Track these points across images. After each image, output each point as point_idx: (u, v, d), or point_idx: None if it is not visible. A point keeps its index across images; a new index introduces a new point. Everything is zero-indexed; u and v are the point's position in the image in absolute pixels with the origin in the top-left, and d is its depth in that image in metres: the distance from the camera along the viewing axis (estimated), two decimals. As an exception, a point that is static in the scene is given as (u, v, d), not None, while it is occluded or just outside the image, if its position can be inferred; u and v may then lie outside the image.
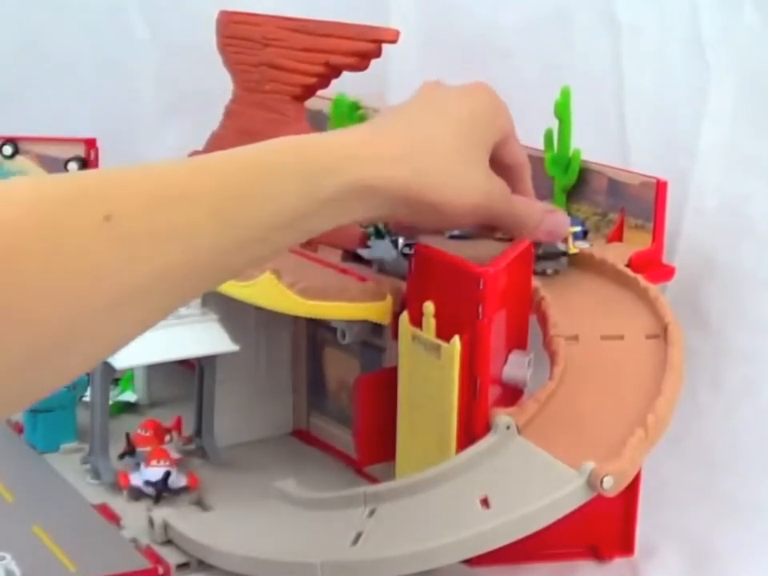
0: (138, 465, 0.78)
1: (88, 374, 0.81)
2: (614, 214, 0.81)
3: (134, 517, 0.75)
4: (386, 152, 0.60)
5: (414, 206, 0.62)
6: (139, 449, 0.79)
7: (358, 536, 0.64)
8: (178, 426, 0.81)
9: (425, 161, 0.62)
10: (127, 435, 0.80)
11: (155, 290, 0.50)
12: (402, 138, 0.62)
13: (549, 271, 0.75)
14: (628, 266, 0.76)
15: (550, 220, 0.70)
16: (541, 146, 0.83)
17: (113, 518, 0.75)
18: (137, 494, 0.77)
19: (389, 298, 0.72)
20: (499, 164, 0.68)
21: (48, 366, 0.48)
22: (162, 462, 0.77)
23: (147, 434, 0.80)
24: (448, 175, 0.63)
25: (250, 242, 0.54)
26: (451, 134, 0.64)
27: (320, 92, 0.83)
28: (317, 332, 0.85)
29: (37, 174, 0.96)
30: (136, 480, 0.77)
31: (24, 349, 0.46)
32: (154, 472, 0.77)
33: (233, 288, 0.75)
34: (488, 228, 0.72)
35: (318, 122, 0.95)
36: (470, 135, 0.64)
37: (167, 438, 0.80)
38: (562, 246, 0.75)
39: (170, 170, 0.53)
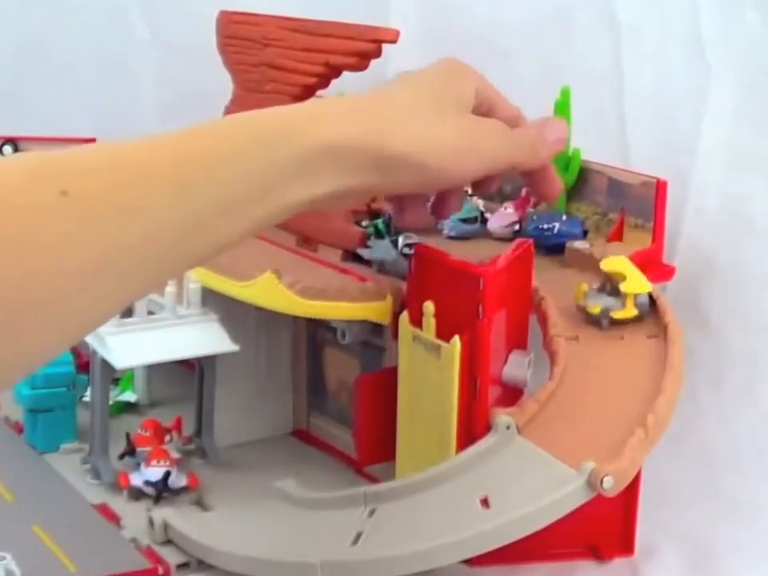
0: (138, 465, 0.78)
1: (87, 374, 0.81)
2: (614, 213, 0.81)
3: (134, 517, 0.75)
4: (344, 112, 0.58)
5: (384, 166, 0.58)
6: (139, 449, 0.79)
7: (358, 536, 0.64)
8: (178, 426, 0.81)
9: (385, 116, 0.59)
10: (127, 435, 0.80)
11: (118, 267, 0.50)
12: (360, 100, 0.60)
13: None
14: (628, 265, 0.76)
15: (551, 130, 0.66)
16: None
17: (113, 518, 0.75)
18: (137, 494, 0.77)
19: (389, 298, 0.72)
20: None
21: (18, 343, 0.48)
22: (162, 462, 0.77)
23: (147, 434, 0.80)
24: (416, 122, 0.59)
25: (213, 216, 0.53)
26: (416, 90, 0.61)
27: (320, 92, 0.83)
28: (317, 332, 0.85)
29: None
30: (136, 480, 0.77)
31: None
32: (154, 472, 0.77)
33: (233, 288, 0.75)
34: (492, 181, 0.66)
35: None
36: (437, 89, 0.61)
37: (167, 438, 0.80)
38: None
39: (127, 146, 0.52)
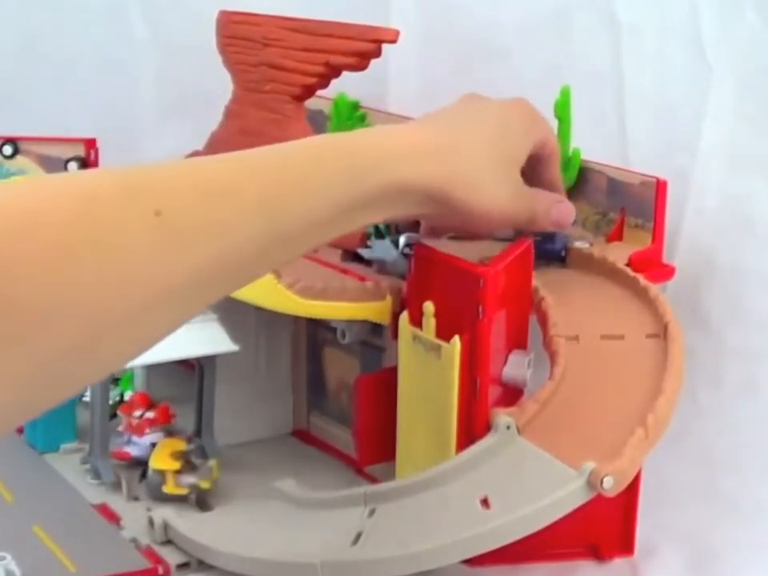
0: (129, 439, 0.79)
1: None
2: (613, 213, 0.81)
3: (134, 517, 0.75)
4: (426, 149, 0.62)
5: (445, 206, 0.63)
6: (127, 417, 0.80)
7: (358, 536, 0.64)
8: (164, 415, 0.81)
9: (461, 162, 0.63)
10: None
11: (202, 281, 0.51)
12: (441, 138, 0.63)
13: None
14: (628, 265, 0.76)
15: (559, 210, 0.71)
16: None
17: (113, 518, 0.75)
18: (136, 494, 0.77)
19: (389, 298, 0.72)
20: (531, 159, 0.70)
21: (89, 359, 0.48)
22: (154, 428, 0.79)
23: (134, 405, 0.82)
24: (480, 178, 0.64)
25: (291, 237, 0.55)
26: (486, 139, 0.65)
27: (320, 92, 0.83)
28: (317, 332, 0.85)
29: (39, 174, 0.96)
30: (135, 451, 0.79)
31: (79, 336, 0.47)
32: (150, 438, 0.78)
33: (233, 288, 0.75)
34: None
35: (318, 122, 0.95)
36: (503, 144, 0.66)
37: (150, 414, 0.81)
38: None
39: (216, 165, 0.54)
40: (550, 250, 0.77)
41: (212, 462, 0.77)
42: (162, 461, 0.77)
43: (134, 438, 0.80)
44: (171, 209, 0.49)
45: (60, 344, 0.46)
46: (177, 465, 0.77)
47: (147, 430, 0.80)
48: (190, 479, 0.76)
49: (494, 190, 0.65)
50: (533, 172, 0.71)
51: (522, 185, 0.68)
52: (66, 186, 0.49)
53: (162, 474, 0.77)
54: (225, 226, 0.51)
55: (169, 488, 0.76)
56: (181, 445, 0.78)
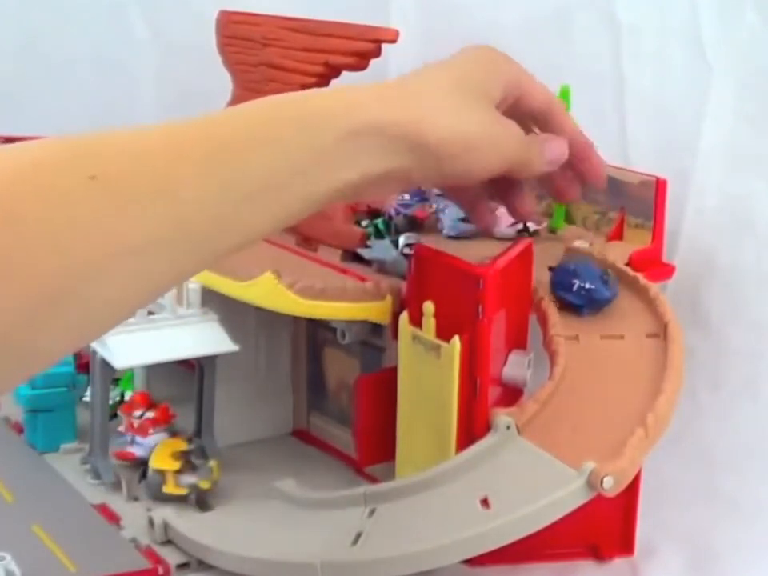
0: (133, 440, 0.80)
1: (87, 374, 0.81)
2: (613, 212, 0.81)
3: (134, 517, 0.75)
4: (383, 97, 0.59)
5: (417, 153, 0.59)
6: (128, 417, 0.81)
7: (358, 536, 0.64)
8: (164, 414, 0.82)
9: (423, 104, 0.60)
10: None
11: (158, 246, 0.50)
12: (398, 87, 0.61)
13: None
14: (628, 264, 0.76)
15: (549, 148, 0.67)
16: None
17: (113, 518, 0.75)
18: (136, 494, 0.77)
19: (389, 298, 0.72)
20: (523, 115, 0.67)
21: (45, 324, 0.47)
22: (158, 429, 0.79)
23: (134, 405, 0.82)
24: (444, 115, 0.60)
25: (250, 199, 0.52)
26: (447, 78, 0.62)
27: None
28: (317, 332, 0.85)
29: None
30: (139, 452, 0.79)
31: (22, 304, 0.46)
32: (154, 438, 0.79)
33: (233, 288, 0.75)
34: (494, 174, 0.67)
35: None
36: (468, 80, 0.63)
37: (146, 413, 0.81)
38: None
39: (158, 129, 0.52)
40: (600, 298, 0.71)
41: (212, 463, 0.77)
42: (162, 461, 0.77)
43: (138, 439, 0.80)
44: (107, 173, 0.49)
45: (8, 305, 0.46)
46: (177, 465, 0.77)
47: (151, 431, 0.80)
48: (190, 479, 0.76)
49: (464, 126, 0.61)
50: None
51: (501, 117, 0.64)
52: (12, 152, 0.49)
53: (162, 474, 0.77)
54: (172, 190, 0.50)
55: (169, 488, 0.76)
56: (182, 445, 0.78)
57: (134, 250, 0.49)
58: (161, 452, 0.78)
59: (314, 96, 0.58)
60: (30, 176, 0.48)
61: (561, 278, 0.71)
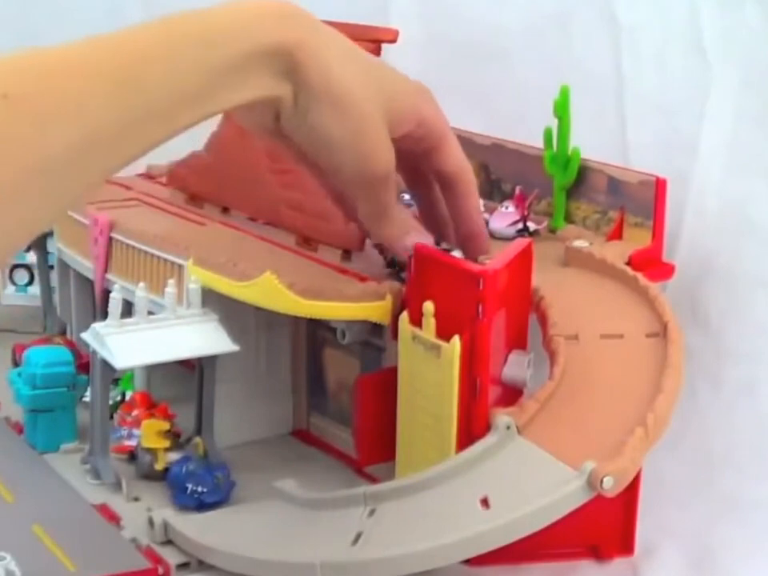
0: (130, 433, 0.81)
1: (87, 374, 0.81)
2: (613, 212, 0.81)
3: (134, 517, 0.75)
4: (279, 13, 0.59)
5: (297, 80, 0.60)
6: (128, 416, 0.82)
7: (358, 536, 0.64)
8: (164, 412, 0.83)
9: (315, 36, 0.60)
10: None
11: (59, 165, 0.51)
12: (300, 10, 0.61)
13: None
14: (628, 264, 0.76)
15: (413, 240, 0.68)
16: (540, 144, 0.83)
17: (113, 518, 0.75)
18: (136, 494, 0.78)
19: (389, 298, 0.72)
20: (435, 173, 0.68)
21: None
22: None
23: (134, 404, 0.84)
24: (339, 65, 0.61)
25: (150, 116, 0.54)
26: (364, 56, 0.63)
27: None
28: (317, 332, 0.85)
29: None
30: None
31: None
32: None
33: (233, 288, 0.75)
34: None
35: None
36: (368, 63, 0.63)
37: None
38: None
39: (65, 48, 0.53)
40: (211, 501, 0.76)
41: (197, 439, 0.79)
42: (152, 440, 0.79)
43: (135, 432, 0.81)
44: (18, 91, 0.50)
45: None
46: (167, 443, 0.79)
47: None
48: (178, 456, 0.79)
49: (344, 76, 0.61)
50: (446, 200, 0.69)
51: (380, 115, 0.63)
52: None
53: (153, 453, 0.79)
54: (78, 105, 0.51)
55: (160, 465, 0.79)
56: (164, 425, 0.80)
57: (46, 167, 0.50)
58: (148, 432, 0.80)
59: (217, 10, 0.58)
60: None
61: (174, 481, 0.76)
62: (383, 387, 0.72)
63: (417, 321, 0.69)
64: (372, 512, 0.66)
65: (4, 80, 0.50)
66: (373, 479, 0.76)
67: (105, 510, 0.76)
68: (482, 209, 0.83)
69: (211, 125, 0.86)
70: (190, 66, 0.55)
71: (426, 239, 0.69)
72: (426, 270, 0.68)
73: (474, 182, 0.69)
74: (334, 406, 0.85)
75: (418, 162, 0.68)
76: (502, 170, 0.89)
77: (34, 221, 0.52)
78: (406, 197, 0.80)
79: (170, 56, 0.55)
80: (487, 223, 0.82)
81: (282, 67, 0.59)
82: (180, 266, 0.81)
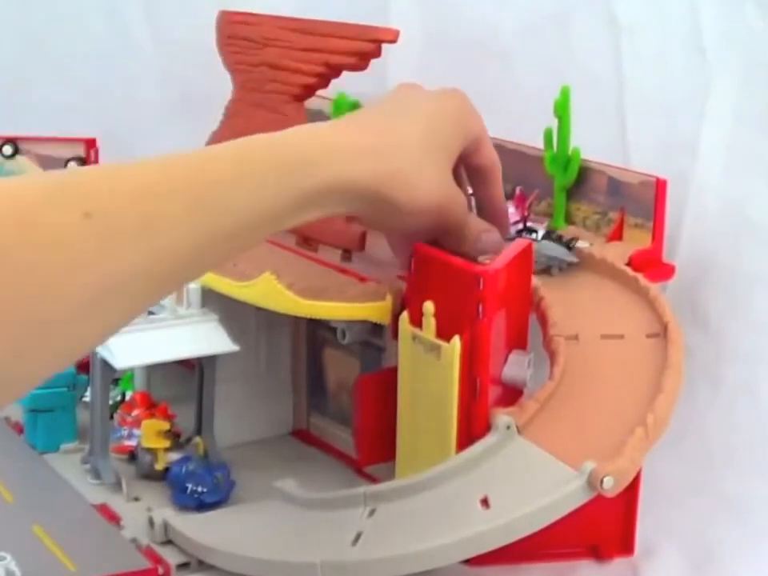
0: (130, 433, 0.81)
1: (87, 374, 0.81)
2: (613, 212, 0.81)
3: (134, 517, 0.75)
4: (360, 147, 0.61)
5: (377, 204, 0.62)
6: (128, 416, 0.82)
7: (358, 536, 0.64)
8: (164, 412, 0.83)
9: (395, 159, 0.63)
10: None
11: (133, 284, 0.51)
12: (374, 133, 0.63)
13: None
14: (628, 264, 0.76)
15: (487, 238, 0.70)
16: (541, 145, 0.83)
17: (113, 518, 0.75)
18: (136, 494, 0.78)
19: (389, 298, 0.72)
20: (469, 166, 0.69)
21: (32, 358, 0.49)
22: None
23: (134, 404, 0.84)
24: (415, 175, 0.63)
25: (227, 236, 0.55)
26: (419, 133, 0.64)
27: (320, 92, 0.83)
28: (317, 332, 0.85)
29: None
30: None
31: (8, 342, 0.47)
32: None
33: (233, 288, 0.75)
34: (431, 235, 0.70)
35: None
36: (437, 137, 0.65)
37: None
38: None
39: (145, 167, 0.54)
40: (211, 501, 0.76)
41: (197, 439, 0.79)
42: (152, 440, 0.79)
43: (135, 432, 0.81)
44: (101, 210, 0.50)
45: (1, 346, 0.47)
46: (167, 443, 0.79)
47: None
48: (178, 456, 0.79)
49: (426, 185, 0.64)
50: (474, 190, 0.71)
51: (453, 184, 0.67)
52: None
53: (153, 453, 0.79)
54: (156, 226, 0.52)
55: (160, 465, 0.79)
56: (164, 425, 0.80)
57: (121, 285, 0.51)
58: (148, 432, 0.80)
59: (291, 139, 0.60)
60: (15, 210, 0.48)
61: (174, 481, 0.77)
62: (383, 387, 0.72)
63: (417, 321, 0.69)
64: (372, 512, 0.66)
65: (87, 197, 0.51)
66: (373, 479, 0.76)
67: (105, 510, 0.76)
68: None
69: (211, 124, 0.86)
70: (267, 193, 0.57)
71: (496, 233, 0.71)
72: (426, 270, 0.68)
73: (500, 165, 0.71)
74: (333, 406, 0.85)
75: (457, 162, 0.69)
76: (502, 170, 0.89)
77: (102, 333, 0.53)
78: None
79: (249, 183, 0.56)
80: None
81: (359, 195, 0.61)
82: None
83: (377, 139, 0.62)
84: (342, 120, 0.65)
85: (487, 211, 0.71)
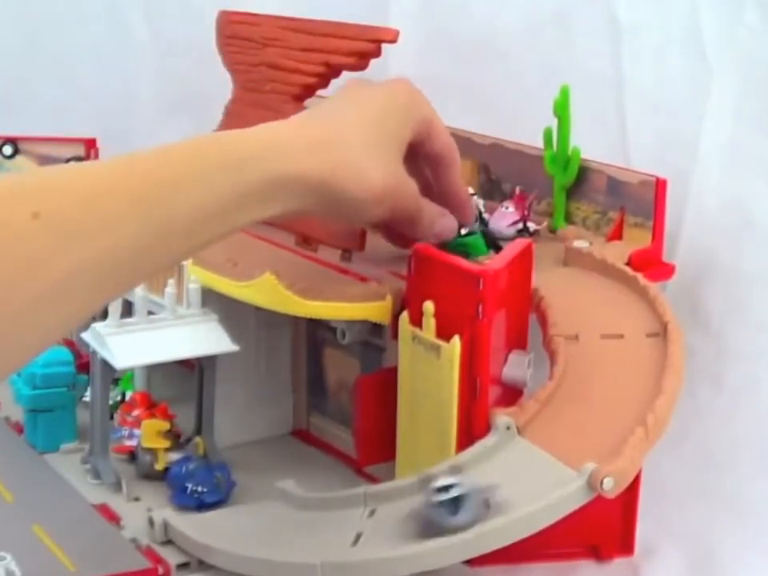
0: (131, 433, 0.81)
1: (87, 374, 0.81)
2: (613, 212, 0.81)
3: (134, 517, 0.75)
4: (307, 141, 0.62)
5: (328, 197, 0.63)
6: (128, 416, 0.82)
7: (358, 536, 0.64)
8: (163, 411, 0.83)
9: (341, 149, 0.63)
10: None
11: (86, 281, 0.53)
12: (321, 128, 0.64)
13: None
14: (628, 264, 0.76)
15: (442, 223, 0.71)
16: (540, 144, 0.83)
17: (113, 518, 0.75)
18: (136, 494, 0.78)
19: (389, 298, 0.72)
20: (423, 154, 0.70)
21: None
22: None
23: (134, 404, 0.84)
24: (362, 166, 0.64)
25: (176, 233, 0.56)
26: (366, 124, 0.65)
27: (320, 92, 0.83)
28: (317, 332, 0.85)
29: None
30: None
31: None
32: None
33: (233, 288, 0.75)
34: (387, 225, 0.72)
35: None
36: (384, 126, 0.66)
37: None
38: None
39: (95, 168, 0.56)
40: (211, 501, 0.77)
41: (197, 439, 0.79)
42: (152, 440, 0.79)
43: (135, 432, 0.81)
44: (49, 210, 0.51)
45: None
46: (167, 443, 0.79)
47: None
48: (178, 456, 0.79)
49: (375, 174, 0.64)
50: (432, 177, 0.71)
51: (404, 173, 0.67)
52: None
53: (153, 453, 0.79)
54: (104, 225, 0.53)
55: (160, 465, 0.79)
56: (164, 425, 0.80)
57: (73, 282, 0.52)
58: (148, 432, 0.80)
59: (237, 137, 0.61)
60: None
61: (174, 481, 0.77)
62: (383, 387, 0.72)
63: (417, 321, 0.69)
64: (372, 512, 0.66)
65: (36, 198, 0.52)
66: (373, 479, 0.76)
67: (105, 510, 0.76)
68: (482, 209, 0.83)
69: (211, 124, 0.86)
70: (214, 189, 0.58)
71: (451, 218, 0.72)
72: (426, 270, 0.68)
73: (457, 150, 0.71)
74: (333, 406, 0.85)
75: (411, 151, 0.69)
76: (501, 169, 0.89)
77: (58, 328, 0.54)
78: None
79: (196, 180, 0.57)
80: (487, 223, 0.82)
81: (308, 189, 0.62)
82: (180, 266, 0.81)
83: (324, 133, 0.63)
84: (291, 118, 0.66)
85: (444, 197, 0.72)
